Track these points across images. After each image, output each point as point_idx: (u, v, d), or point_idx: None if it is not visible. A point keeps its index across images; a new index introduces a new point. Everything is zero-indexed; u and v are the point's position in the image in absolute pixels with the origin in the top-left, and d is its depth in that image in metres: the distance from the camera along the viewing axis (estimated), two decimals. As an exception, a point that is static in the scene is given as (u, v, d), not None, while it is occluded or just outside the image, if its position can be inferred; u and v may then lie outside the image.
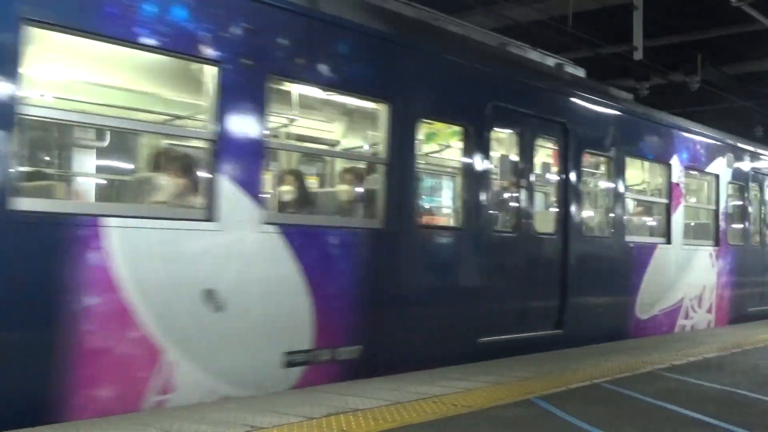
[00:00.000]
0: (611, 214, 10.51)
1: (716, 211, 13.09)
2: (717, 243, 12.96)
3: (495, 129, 8.56)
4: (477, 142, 8.23)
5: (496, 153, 8.78)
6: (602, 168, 10.84)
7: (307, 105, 7.68)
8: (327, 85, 7.01)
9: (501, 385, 6.61)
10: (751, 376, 7.53)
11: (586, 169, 10.29)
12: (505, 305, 8.55)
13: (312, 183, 8.84)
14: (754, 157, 14.67)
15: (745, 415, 5.74)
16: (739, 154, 13.96)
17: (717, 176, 13.13)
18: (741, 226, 14.03)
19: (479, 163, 8.25)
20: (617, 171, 10.51)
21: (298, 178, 7.84)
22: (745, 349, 9.52)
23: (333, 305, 6.68)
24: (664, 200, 11.71)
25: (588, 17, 14.08)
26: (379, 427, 4.97)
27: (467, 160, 8.20)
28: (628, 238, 10.71)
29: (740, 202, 14.13)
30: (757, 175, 14.72)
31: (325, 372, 6.56)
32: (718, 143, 13.40)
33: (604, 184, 10.82)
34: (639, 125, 11.29)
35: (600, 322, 10.01)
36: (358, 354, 6.82)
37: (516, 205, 8.98)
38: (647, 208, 12.32)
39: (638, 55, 13.22)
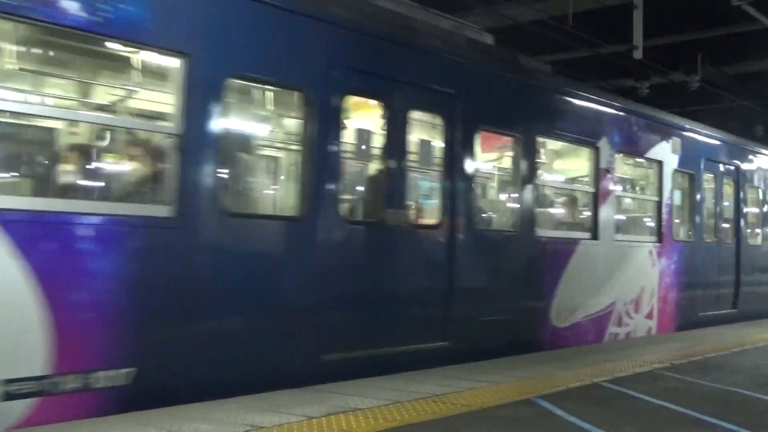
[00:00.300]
0: (517, 205, 8.92)
1: (659, 203, 11.41)
2: (659, 239, 11.34)
3: (350, 96, 7.04)
4: (322, 112, 6.68)
5: (351, 126, 7.17)
6: (506, 149, 9.26)
7: (54, 56, 6.12)
8: (79, 28, 5.26)
9: (501, 384, 6.60)
10: (751, 376, 7.53)
11: (483, 151, 8.76)
12: (365, 314, 6.99)
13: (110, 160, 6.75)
14: (708, 143, 12.98)
15: (745, 414, 5.74)
16: (689, 140, 12.23)
17: (660, 163, 11.48)
18: (691, 220, 12.45)
19: (326, 137, 6.72)
20: (526, 153, 8.90)
21: (83, 154, 6.20)
22: (745, 349, 9.51)
23: (86, 317, 5.23)
24: (590, 189, 10.09)
25: (588, 17, 14.10)
26: (379, 427, 4.97)
27: (308, 132, 6.64)
28: (539, 233, 9.08)
29: (691, 193, 12.43)
30: (711, 164, 12.92)
31: (74, 403, 5.11)
32: (662, 125, 11.75)
33: (507, 169, 9.30)
34: (557, 101, 9.68)
35: (499, 332, 8.35)
36: (130, 379, 5.37)
37: (380, 190, 7.34)
38: (569, 198, 10.65)
39: (638, 55, 13.22)
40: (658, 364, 8.04)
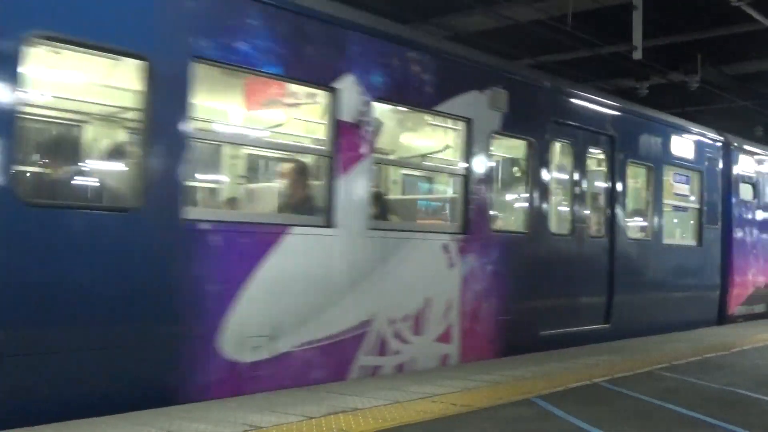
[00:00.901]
0: (138, 167, 5.59)
1: (465, 178, 8.05)
2: (465, 229, 8.01)
3: None
4: None
5: None
6: (117, 77, 6.02)
7: None
8: None
9: (500, 384, 6.61)
10: (751, 376, 7.53)
11: (59, 77, 5.59)
12: None
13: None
14: (560, 100, 9.62)
15: (744, 414, 5.74)
16: (523, 93, 8.90)
17: (468, 122, 8.09)
18: (529, 204, 9.01)
19: None
20: (167, 86, 5.60)
21: None
22: (744, 349, 9.51)
23: None
24: (320, 149, 6.94)
25: (587, 17, 14.09)
26: (378, 427, 4.97)
27: None
28: (192, 215, 5.80)
29: (527, 168, 9.09)
30: (565, 129, 9.51)
31: None
32: (471, 68, 8.32)
33: (121, 109, 6.30)
34: (246, 13, 6.19)
35: (79, 379, 5.17)
36: None
37: None
38: (296, 165, 7.31)
39: (638, 55, 13.21)
40: (658, 364, 8.04)
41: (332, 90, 6.83)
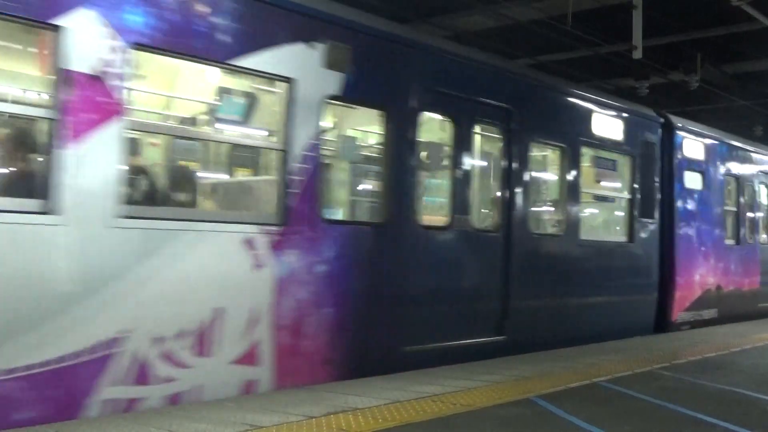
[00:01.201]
0: None
1: (284, 155, 6.35)
2: (284, 219, 6.33)
3: None
4: None
5: None
6: None
7: None
8: None
9: (501, 384, 6.61)
10: (750, 376, 7.53)
11: None
12: None
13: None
14: (435, 61, 7.84)
15: (744, 414, 5.75)
16: (375, 51, 7.24)
17: (289, 82, 6.42)
18: (383, 190, 7.34)
19: None
20: None
21: None
22: (744, 349, 9.51)
23: None
24: (34, 109, 5.37)
25: (587, 16, 14.10)
26: (378, 426, 4.97)
27: None
28: None
29: (385, 143, 7.33)
30: (440, 98, 7.78)
31: None
32: (296, 14, 6.52)
33: None
34: None
35: None
36: None
37: None
38: None
39: (638, 55, 13.22)
40: (657, 363, 8.05)
41: (54, 28, 5.04)
